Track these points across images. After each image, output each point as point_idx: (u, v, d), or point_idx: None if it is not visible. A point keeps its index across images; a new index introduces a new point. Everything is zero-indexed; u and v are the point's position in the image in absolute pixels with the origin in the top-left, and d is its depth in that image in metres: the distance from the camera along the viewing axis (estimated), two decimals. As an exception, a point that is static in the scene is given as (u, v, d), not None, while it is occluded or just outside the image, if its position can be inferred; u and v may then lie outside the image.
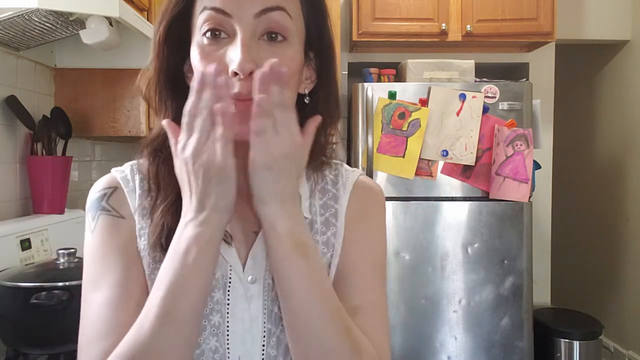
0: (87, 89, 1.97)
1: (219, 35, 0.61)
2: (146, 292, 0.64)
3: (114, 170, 0.74)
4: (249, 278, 0.67)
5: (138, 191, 0.70)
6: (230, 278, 0.67)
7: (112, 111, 1.98)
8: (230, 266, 0.67)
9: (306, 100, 0.69)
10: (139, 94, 0.70)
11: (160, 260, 0.64)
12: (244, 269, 0.68)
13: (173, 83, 0.67)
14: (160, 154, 0.68)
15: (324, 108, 0.70)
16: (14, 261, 1.48)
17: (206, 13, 0.61)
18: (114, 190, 0.71)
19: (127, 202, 0.70)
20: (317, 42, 0.68)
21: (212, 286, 0.65)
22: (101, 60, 1.92)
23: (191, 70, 0.64)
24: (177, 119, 0.66)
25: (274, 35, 0.62)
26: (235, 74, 0.58)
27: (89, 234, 0.70)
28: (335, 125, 0.74)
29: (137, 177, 0.71)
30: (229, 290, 0.66)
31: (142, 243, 0.67)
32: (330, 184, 0.75)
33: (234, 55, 0.59)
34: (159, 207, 0.66)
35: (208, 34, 0.61)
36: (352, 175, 0.77)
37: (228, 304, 0.66)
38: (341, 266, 0.70)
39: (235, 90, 0.59)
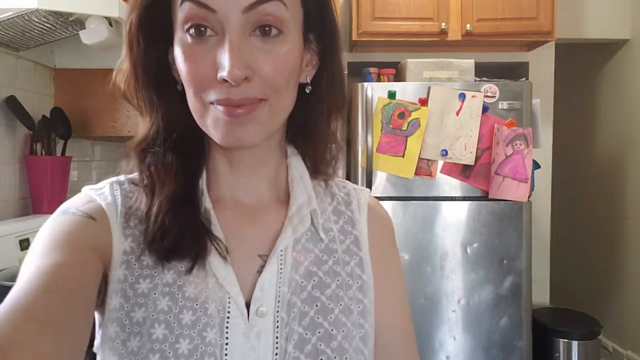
0: (87, 89, 1.98)
1: (204, 32, 0.53)
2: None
3: (86, 188, 0.63)
4: (259, 310, 0.57)
5: (120, 207, 0.59)
6: (229, 312, 0.56)
7: (111, 111, 1.99)
8: (230, 297, 0.57)
9: (307, 90, 0.62)
10: (119, 95, 0.61)
11: (148, 266, 0.57)
12: (250, 299, 0.57)
13: (157, 76, 0.59)
14: (151, 150, 0.60)
15: (329, 95, 0.63)
16: (13, 261, 1.49)
17: (187, 6, 0.52)
18: (88, 201, 0.60)
19: (106, 215, 0.59)
20: (317, 23, 0.60)
21: (204, 324, 0.55)
22: (101, 61, 1.93)
23: (175, 61, 0.56)
24: (167, 116, 0.59)
25: (267, 29, 0.53)
26: (225, 80, 0.51)
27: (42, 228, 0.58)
28: (341, 114, 0.66)
29: (118, 194, 0.61)
30: (227, 328, 0.56)
31: (121, 258, 0.57)
32: (343, 204, 0.68)
33: (223, 59, 0.51)
34: (154, 205, 0.57)
35: (191, 30, 0.53)
36: (362, 195, 0.70)
37: (227, 344, 0.55)
38: (380, 328, 0.64)
39: (223, 96, 0.52)
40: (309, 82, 0.62)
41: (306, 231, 0.63)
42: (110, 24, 1.63)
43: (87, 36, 1.63)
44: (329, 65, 0.62)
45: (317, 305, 0.59)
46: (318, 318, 0.59)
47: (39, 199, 1.82)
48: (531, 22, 2.62)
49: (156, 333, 0.54)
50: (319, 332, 0.58)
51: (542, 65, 2.97)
